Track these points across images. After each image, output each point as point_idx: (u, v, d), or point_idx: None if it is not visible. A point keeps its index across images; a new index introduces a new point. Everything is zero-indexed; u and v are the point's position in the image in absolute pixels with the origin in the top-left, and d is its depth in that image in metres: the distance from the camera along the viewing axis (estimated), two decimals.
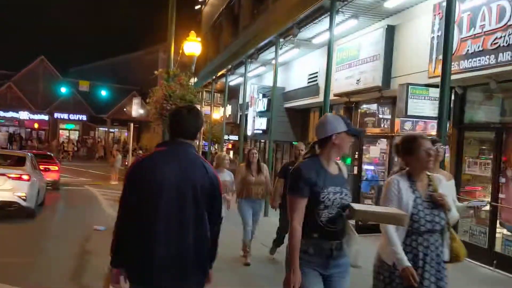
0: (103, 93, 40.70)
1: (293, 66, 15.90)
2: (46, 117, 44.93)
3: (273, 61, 15.26)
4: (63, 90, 38.59)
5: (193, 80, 12.59)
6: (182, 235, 2.61)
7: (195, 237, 2.63)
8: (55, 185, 16.87)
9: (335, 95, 11.73)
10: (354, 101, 11.94)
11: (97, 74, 46.53)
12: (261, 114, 17.44)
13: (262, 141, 20.93)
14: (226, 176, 7.14)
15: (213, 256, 2.85)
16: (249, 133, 18.09)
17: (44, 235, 9.42)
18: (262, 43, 13.71)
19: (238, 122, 22.99)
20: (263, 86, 17.92)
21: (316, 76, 13.81)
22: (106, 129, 47.96)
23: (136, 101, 44.65)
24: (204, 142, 26.79)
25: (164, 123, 11.46)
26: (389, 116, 11.07)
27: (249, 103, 18.27)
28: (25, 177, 9.96)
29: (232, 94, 22.27)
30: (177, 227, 2.61)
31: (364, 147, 11.87)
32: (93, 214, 12.34)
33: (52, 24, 75.14)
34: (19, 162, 10.77)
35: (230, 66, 18.32)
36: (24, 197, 9.79)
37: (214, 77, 21.11)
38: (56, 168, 17.01)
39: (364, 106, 12.30)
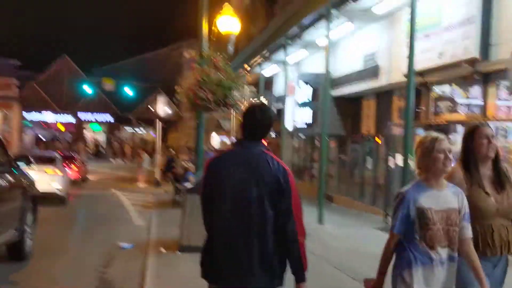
0: (128, 91, 39.40)
1: (343, 47, 13.75)
2: (71, 118, 43.98)
3: (320, 42, 13.21)
4: (87, 89, 37.44)
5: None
6: (247, 234, 2.59)
7: (261, 236, 2.59)
8: (75, 182, 18.54)
9: (405, 75, 9.58)
10: (428, 82, 9.77)
11: (121, 73, 45.33)
12: (303, 104, 15.39)
13: (302, 136, 18.85)
14: None
15: (298, 263, 2.63)
16: (289, 127, 16.02)
17: (57, 259, 7.59)
18: (309, 19, 11.60)
19: None
20: (305, 73, 15.83)
21: (375, 55, 11.65)
22: (132, 129, 46.75)
23: (161, 99, 43.19)
24: (233, 138, 24.86)
25: (198, 114, 9.53)
26: (477, 99, 8.84)
27: (287, 93, 16.20)
28: (60, 173, 13.06)
29: (265, 86, 20.26)
30: (242, 226, 2.60)
31: None
32: (119, 226, 10.52)
33: (75, 23, 74.72)
34: (51, 161, 13.52)
35: (266, 52, 16.30)
36: (60, 189, 12.71)
37: (247, 66, 19.08)
38: (76, 168, 19.16)
39: (439, 87, 10.10)
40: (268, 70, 19.15)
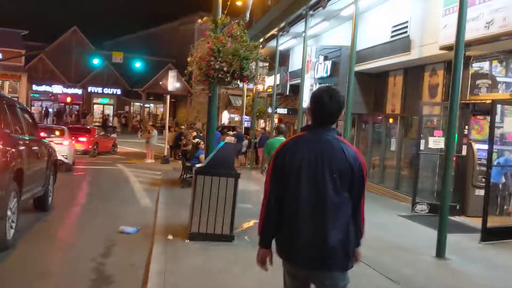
0: (138, 65, 38.49)
1: (367, 18, 12.66)
2: (79, 91, 43.30)
3: (345, 12, 12.17)
4: (96, 61, 36.50)
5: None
6: (324, 219, 2.60)
7: (336, 221, 2.61)
8: (87, 153, 20.38)
9: (442, 48, 8.59)
10: (470, 56, 8.75)
11: (131, 47, 44.36)
12: (322, 80, 14.40)
13: None
14: None
15: (360, 235, 2.78)
16: (305, 104, 15.07)
17: (51, 241, 6.86)
18: None
19: (287, 93, 20.04)
20: (324, 46, 14.78)
21: (406, 27, 10.59)
22: (141, 103, 45.99)
23: (172, 74, 42.04)
24: (245, 116, 24.06)
25: (212, 87, 8.65)
26: None
27: (305, 69, 15.18)
28: (66, 142, 15.12)
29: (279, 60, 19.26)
30: (319, 211, 2.61)
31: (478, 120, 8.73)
32: (122, 205, 9.77)
33: None
34: (59, 132, 15.89)
35: (283, 24, 15.24)
36: (66, 156, 14.57)
37: (262, 39, 18.04)
38: (85, 139, 20.58)
39: (478, 63, 9.08)
40: (284, 44, 18.11)
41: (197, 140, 13.32)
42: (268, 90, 21.90)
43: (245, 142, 19.85)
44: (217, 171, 6.45)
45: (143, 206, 9.69)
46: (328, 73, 13.77)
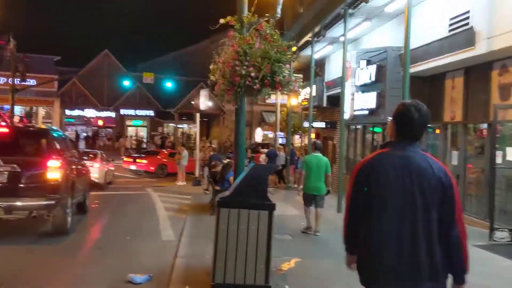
0: (169, 85, 38.02)
1: (417, 13, 11.01)
2: (112, 114, 43.07)
3: (390, 7, 10.62)
4: (127, 83, 36.13)
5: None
6: (413, 240, 2.48)
7: (427, 242, 2.48)
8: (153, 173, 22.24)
9: None
10: None
11: (163, 68, 44.01)
12: (365, 88, 12.80)
13: (358, 126, 16.22)
14: None
15: (461, 266, 2.57)
16: (346, 116, 13.43)
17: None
18: None
19: (324, 105, 18.46)
20: (366, 49, 13.19)
21: (468, 17, 8.90)
22: (175, 124, 45.38)
23: (203, 93, 41.32)
24: (279, 133, 22.63)
25: (237, 97, 7.22)
26: None
27: (345, 77, 13.59)
28: (97, 165, 16.40)
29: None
30: (407, 231, 2.49)
31: None
32: (139, 240, 8.39)
33: (116, 19, 74.49)
34: (92, 156, 17.39)
35: (319, 28, 13.76)
36: (97, 178, 15.85)
37: (294, 47, 16.56)
38: (146, 161, 23.02)
39: None
40: (319, 52, 16.62)
41: (228, 160, 11.94)
42: (303, 103, 20.39)
43: (282, 155, 18.36)
44: (246, 202, 4.97)
45: (164, 241, 8.30)
46: (373, 79, 12.15)
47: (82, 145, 39.55)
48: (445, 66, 10.04)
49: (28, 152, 8.18)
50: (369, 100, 12.41)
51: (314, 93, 17.07)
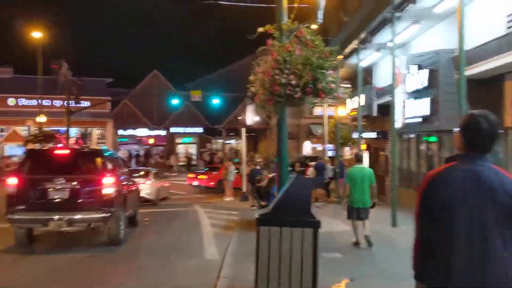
0: (216, 102, 38.39)
1: (469, 12, 10.28)
2: (163, 132, 43.93)
3: (439, 8, 9.98)
4: (176, 102, 36.77)
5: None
6: (484, 259, 2.32)
7: (501, 261, 2.32)
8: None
9: None
10: None
11: (211, 85, 44.61)
12: (417, 94, 12.09)
13: (411, 135, 15.39)
14: None
15: None
16: (397, 125, 12.73)
17: None
18: None
19: (374, 114, 17.71)
20: (416, 54, 12.50)
21: None
22: (222, 140, 45.69)
23: (250, 108, 41.43)
24: (327, 145, 22.02)
25: (278, 107, 6.88)
26: None
27: (395, 84, 12.92)
28: (148, 182, 17.24)
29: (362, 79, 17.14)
30: (478, 250, 2.33)
31: None
32: (182, 259, 8.14)
33: (165, 39, 76.59)
34: (144, 173, 18.23)
35: (365, 34, 13.22)
36: (148, 194, 16.84)
37: (340, 56, 16.06)
38: (206, 176, 23.63)
39: None
40: (365, 60, 16.02)
41: (273, 174, 11.57)
42: (351, 114, 19.73)
43: (329, 168, 17.76)
44: (288, 219, 4.57)
45: (207, 259, 7.99)
46: (425, 84, 11.44)
47: (134, 163, 40.59)
48: (503, 67, 9.22)
49: (85, 170, 9.04)
50: (422, 107, 11.68)
51: (362, 102, 16.43)
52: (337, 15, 17.89)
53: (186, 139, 46.15)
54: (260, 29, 7.29)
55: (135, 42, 75.67)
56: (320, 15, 7.97)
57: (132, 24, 76.87)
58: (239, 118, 42.89)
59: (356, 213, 8.51)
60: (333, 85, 6.62)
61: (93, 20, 77.68)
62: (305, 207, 4.63)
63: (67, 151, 9.98)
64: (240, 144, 46.39)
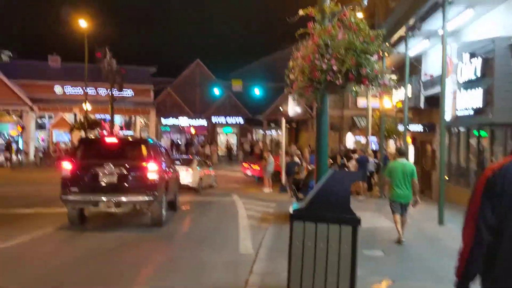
0: (257, 92, 38.08)
1: None
2: (204, 122, 44.13)
3: None
4: (217, 91, 36.74)
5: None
6: None
7: None
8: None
9: None
10: None
11: (253, 75, 44.36)
12: (469, 85, 11.30)
13: (461, 128, 14.50)
14: None
15: None
16: (447, 117, 11.97)
17: None
18: None
19: (422, 106, 16.89)
20: (469, 42, 11.68)
21: None
22: (263, 130, 45.38)
23: (292, 99, 40.90)
24: (371, 137, 21.30)
25: (317, 95, 6.46)
26: None
27: (445, 73, 12.11)
28: (190, 170, 17.46)
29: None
30: None
31: None
32: (215, 252, 7.91)
33: (207, 28, 76.85)
34: (189, 162, 18.43)
35: (413, 20, 12.49)
36: (191, 182, 17.21)
37: (386, 44, 15.30)
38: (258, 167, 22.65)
39: None
40: (413, 49, 15.21)
41: (312, 166, 11.15)
42: (397, 105, 18.91)
43: (372, 161, 17.10)
44: (324, 215, 4.18)
45: (240, 254, 7.70)
46: (478, 74, 10.65)
47: (175, 152, 41.01)
48: None
49: (131, 157, 9.84)
50: (475, 98, 10.90)
51: (409, 93, 15.65)
52: (385, 1, 17.09)
53: (227, 129, 46.19)
54: (301, 12, 6.84)
55: (178, 31, 76.44)
56: None
57: (176, 14, 77.60)
58: (280, 108, 42.48)
59: (397, 208, 8.28)
60: (377, 71, 6.12)
61: (138, 10, 79.05)
62: (344, 203, 4.22)
63: (115, 140, 10.84)
64: (282, 134, 45.94)
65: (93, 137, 19.39)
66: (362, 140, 35.99)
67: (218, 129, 45.81)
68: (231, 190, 18.72)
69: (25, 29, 64.50)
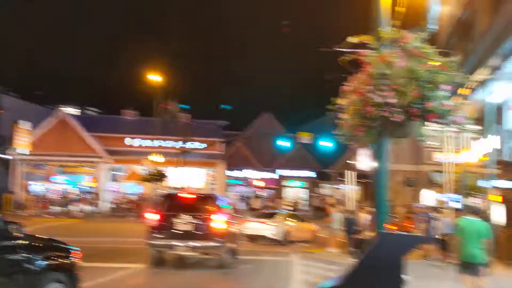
0: (327, 144, 36.88)
1: None
2: (273, 175, 43.31)
3: None
4: (285, 144, 36.09)
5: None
6: None
7: None
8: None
9: None
10: None
11: (321, 128, 43.38)
12: None
13: None
14: None
15: None
16: None
17: None
18: None
19: (507, 159, 14.72)
20: None
21: None
22: (333, 185, 43.52)
23: (362, 152, 39.05)
24: (450, 195, 19.03)
25: (370, 136, 5.22)
26: None
27: None
28: (274, 224, 18.87)
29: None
30: None
31: None
32: None
33: (279, 85, 77.76)
34: (271, 216, 19.91)
35: (496, 61, 10.90)
36: (273, 234, 18.59)
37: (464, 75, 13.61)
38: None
39: None
40: (493, 94, 13.42)
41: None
42: (481, 159, 16.77)
43: (447, 221, 14.94)
44: None
45: None
46: None
47: (244, 205, 40.23)
48: None
49: (203, 210, 11.73)
50: None
51: (496, 145, 13.73)
52: (460, 41, 15.51)
53: (296, 182, 44.92)
54: (352, 39, 5.79)
55: (251, 85, 78.10)
56: (432, 21, 6.26)
57: (249, 68, 79.62)
58: (351, 162, 40.66)
59: (465, 268, 7.94)
60: (448, 104, 4.82)
61: (212, 65, 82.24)
62: (394, 278, 2.90)
63: (191, 195, 13.20)
64: (353, 189, 43.73)
65: (173, 193, 22.55)
66: (441, 197, 33.02)
67: (287, 183, 44.70)
68: (293, 249, 17.26)
69: (102, 84, 68.97)
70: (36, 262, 4.86)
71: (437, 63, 5.11)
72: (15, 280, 4.51)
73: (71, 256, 5.59)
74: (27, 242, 4.81)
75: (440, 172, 26.36)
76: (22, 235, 4.72)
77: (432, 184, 36.75)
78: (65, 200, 34.51)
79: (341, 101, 5.62)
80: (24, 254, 4.70)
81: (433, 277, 11.66)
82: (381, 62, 5.19)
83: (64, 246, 5.65)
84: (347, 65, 5.59)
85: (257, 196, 42.01)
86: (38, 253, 4.96)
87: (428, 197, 36.08)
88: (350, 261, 13.35)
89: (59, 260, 5.30)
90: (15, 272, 4.55)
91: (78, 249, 5.89)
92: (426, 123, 5.15)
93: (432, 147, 34.07)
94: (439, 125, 5.01)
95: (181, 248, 11.27)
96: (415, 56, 5.15)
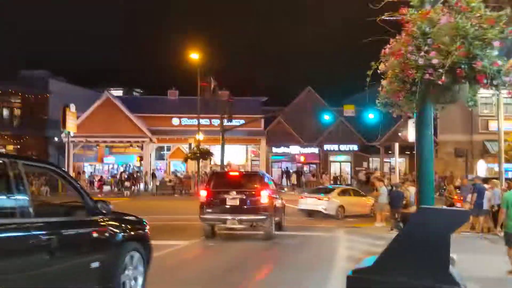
0: (371, 116, 35.64)
1: None
2: (316, 150, 42.69)
3: None
4: (327, 118, 35.19)
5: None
6: None
7: None
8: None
9: None
10: None
11: (365, 100, 42.02)
12: None
13: None
14: None
15: None
16: None
17: None
18: None
19: None
20: None
21: None
22: (380, 158, 42.41)
23: (412, 123, 37.59)
24: (506, 165, 18.00)
25: (411, 102, 4.79)
26: None
27: None
28: (325, 198, 19.46)
29: None
30: None
31: None
32: None
33: (318, 55, 76.09)
34: (324, 191, 20.77)
35: None
36: (325, 209, 19.13)
37: None
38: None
39: None
40: None
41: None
42: None
43: (497, 192, 14.07)
44: (398, 282, 2.55)
45: None
46: None
47: (286, 181, 40.06)
48: None
49: (248, 186, 12.90)
50: None
51: None
52: None
53: (340, 157, 44.09)
54: None
55: (290, 59, 76.90)
56: None
57: (288, 43, 78.39)
58: (399, 134, 39.32)
59: (511, 240, 8.06)
60: (501, 64, 4.28)
61: (250, 42, 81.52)
62: (439, 263, 2.54)
63: (237, 173, 15.45)
64: (400, 162, 42.50)
65: (220, 171, 24.38)
66: (496, 168, 31.44)
67: (331, 157, 43.96)
68: (340, 224, 16.92)
69: (148, 65, 69.96)
70: (120, 233, 5.50)
71: (487, 18, 4.55)
72: (107, 249, 5.20)
73: (145, 228, 6.12)
74: (112, 216, 5.47)
75: (495, 141, 25.06)
76: (107, 211, 5.35)
77: (486, 155, 35.08)
78: (114, 180, 35.58)
79: (380, 66, 5.16)
80: (111, 228, 5.37)
81: (480, 250, 11.06)
82: (422, 19, 4.68)
83: (138, 219, 6.16)
84: (387, 26, 5.10)
85: (300, 172, 41.63)
86: (121, 226, 5.60)
87: (481, 168, 34.53)
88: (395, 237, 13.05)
89: (137, 231, 5.90)
90: (106, 242, 5.25)
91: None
92: (475, 86, 4.64)
93: (486, 115, 32.47)
94: (491, 88, 4.48)
95: (231, 221, 12.25)
96: (460, 10, 4.60)
